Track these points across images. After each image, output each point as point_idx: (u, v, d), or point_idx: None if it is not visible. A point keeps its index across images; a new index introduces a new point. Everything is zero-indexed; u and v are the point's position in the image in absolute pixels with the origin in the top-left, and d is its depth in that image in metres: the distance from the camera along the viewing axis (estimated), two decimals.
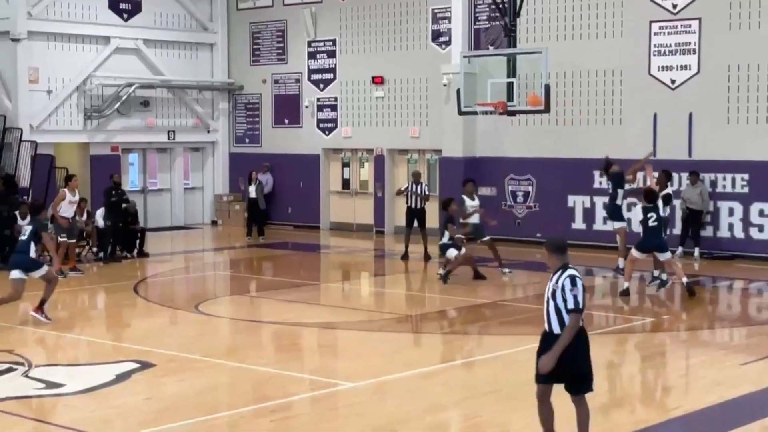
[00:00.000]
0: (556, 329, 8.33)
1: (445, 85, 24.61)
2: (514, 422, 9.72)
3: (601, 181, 22.90)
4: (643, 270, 18.37)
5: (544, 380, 8.42)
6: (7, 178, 23.53)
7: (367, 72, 27.71)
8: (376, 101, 27.71)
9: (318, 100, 28.90)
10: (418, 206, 22.25)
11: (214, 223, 30.65)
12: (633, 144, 22.54)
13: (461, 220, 19.24)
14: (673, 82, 22.53)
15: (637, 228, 18.62)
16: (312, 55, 28.98)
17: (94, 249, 22.53)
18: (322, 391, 11.32)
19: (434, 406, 10.53)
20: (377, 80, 27.53)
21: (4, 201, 22.18)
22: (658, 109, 22.63)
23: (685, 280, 16.97)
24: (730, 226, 21.88)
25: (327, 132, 28.81)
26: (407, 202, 22.49)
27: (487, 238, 19.56)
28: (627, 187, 19.28)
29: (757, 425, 9.92)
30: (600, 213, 23.13)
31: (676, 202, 21.48)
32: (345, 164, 28.91)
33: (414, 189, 22.33)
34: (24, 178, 24.79)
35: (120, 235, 22.72)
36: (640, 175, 20.11)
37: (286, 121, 29.74)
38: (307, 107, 29.11)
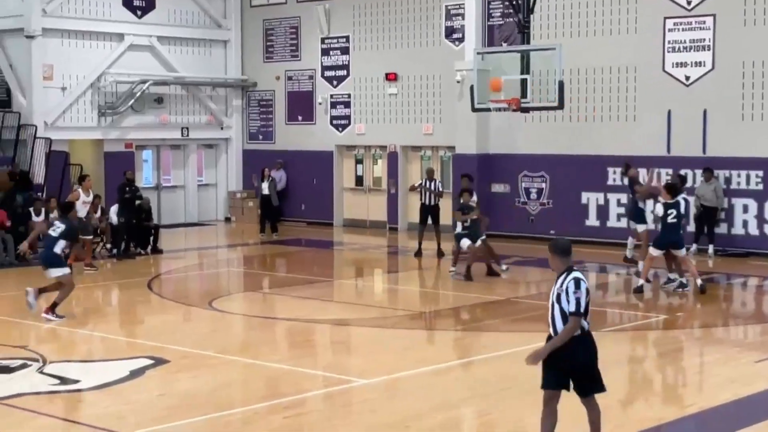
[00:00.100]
0: None
1: (458, 82, 24.57)
2: (526, 419, 9.69)
3: (614, 178, 22.92)
4: (657, 267, 18.30)
5: (551, 386, 8.22)
6: (22, 175, 23.62)
7: (380, 69, 27.70)
8: (390, 98, 27.69)
9: (331, 96, 28.90)
10: (432, 203, 22.19)
11: (227, 219, 30.68)
12: (647, 141, 22.50)
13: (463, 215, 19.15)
14: (687, 78, 22.45)
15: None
16: (325, 52, 28.98)
17: (108, 246, 22.59)
18: (335, 387, 11.34)
19: (447, 403, 10.53)
20: (390, 77, 27.51)
21: (14, 198, 22.26)
22: (672, 105, 22.56)
23: (699, 281, 16.92)
24: (745, 223, 21.80)
25: (340, 129, 28.82)
26: (421, 199, 22.47)
27: (483, 237, 19.29)
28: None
29: None
30: (614, 210, 23.08)
31: (690, 199, 21.37)
32: (358, 161, 28.91)
33: (427, 186, 22.27)
34: (38, 175, 24.90)
35: (134, 231, 22.78)
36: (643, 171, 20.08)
37: (300, 117, 29.74)
38: (320, 104, 29.11)
